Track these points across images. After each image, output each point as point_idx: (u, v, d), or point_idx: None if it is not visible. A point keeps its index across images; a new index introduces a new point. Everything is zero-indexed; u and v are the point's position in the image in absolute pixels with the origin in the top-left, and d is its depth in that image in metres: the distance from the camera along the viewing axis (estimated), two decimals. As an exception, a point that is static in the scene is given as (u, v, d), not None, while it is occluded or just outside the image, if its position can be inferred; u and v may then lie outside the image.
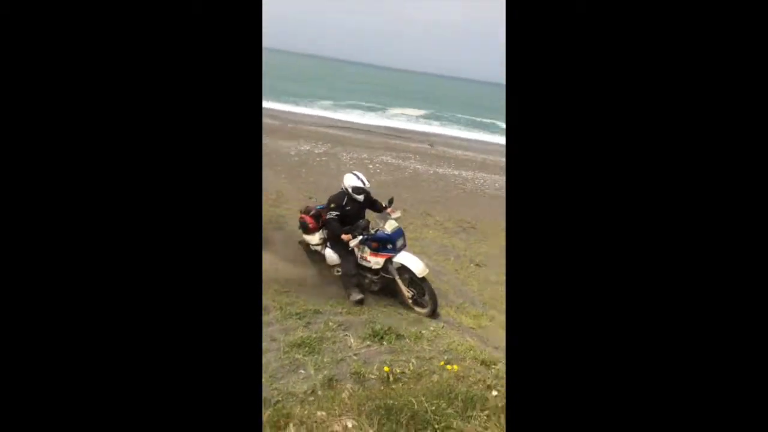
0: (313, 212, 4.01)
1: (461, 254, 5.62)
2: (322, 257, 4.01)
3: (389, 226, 3.76)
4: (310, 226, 3.97)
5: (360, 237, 3.69)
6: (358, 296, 3.66)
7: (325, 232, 3.92)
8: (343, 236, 3.68)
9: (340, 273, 3.91)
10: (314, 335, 2.78)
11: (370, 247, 3.79)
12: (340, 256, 3.84)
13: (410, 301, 3.71)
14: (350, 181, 3.84)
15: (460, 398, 2.00)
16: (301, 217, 4.05)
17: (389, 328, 2.90)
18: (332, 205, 3.77)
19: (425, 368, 2.38)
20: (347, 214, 3.78)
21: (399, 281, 3.74)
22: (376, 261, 3.81)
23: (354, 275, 3.77)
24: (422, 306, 3.68)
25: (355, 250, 3.82)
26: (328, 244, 3.95)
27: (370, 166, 9.87)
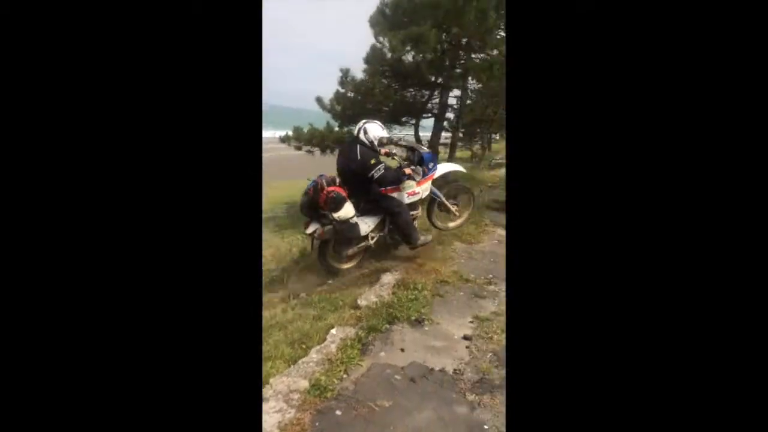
0: (339, 181, 3.24)
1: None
2: (350, 237, 3.29)
3: (422, 147, 3.62)
4: (345, 194, 3.14)
5: (414, 167, 3.43)
6: (429, 237, 3.53)
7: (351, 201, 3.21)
8: (407, 170, 3.33)
9: (372, 239, 3.48)
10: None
11: (414, 178, 3.47)
12: (388, 211, 3.37)
13: (455, 209, 3.86)
14: (377, 131, 3.33)
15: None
16: (331, 192, 3.10)
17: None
18: (372, 161, 3.16)
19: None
20: None
21: (443, 197, 3.73)
22: (425, 188, 3.59)
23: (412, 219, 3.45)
24: (457, 209, 3.89)
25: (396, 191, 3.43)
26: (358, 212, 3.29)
27: None
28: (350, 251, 3.43)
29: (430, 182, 3.61)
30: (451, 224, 4.04)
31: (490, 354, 2.18)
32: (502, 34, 6.22)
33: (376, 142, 3.27)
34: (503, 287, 3.17)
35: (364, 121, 3.38)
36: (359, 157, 3.17)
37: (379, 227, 3.51)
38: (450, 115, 8.50)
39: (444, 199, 3.79)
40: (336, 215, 3.09)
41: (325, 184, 3.15)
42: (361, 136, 3.28)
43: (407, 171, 3.34)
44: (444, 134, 8.39)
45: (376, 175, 3.14)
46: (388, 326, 2.39)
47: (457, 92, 8.00)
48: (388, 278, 3.21)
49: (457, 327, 2.46)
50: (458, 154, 10.02)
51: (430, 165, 3.56)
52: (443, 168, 3.79)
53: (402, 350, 2.16)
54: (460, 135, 9.76)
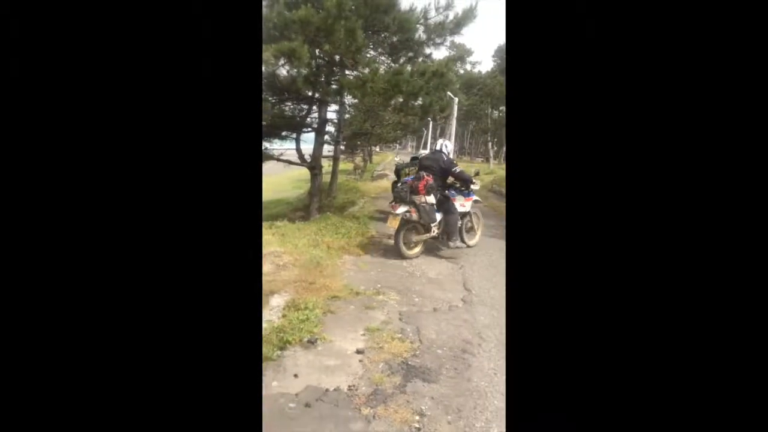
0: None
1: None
2: (430, 219, 4.37)
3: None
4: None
5: (475, 183, 4.90)
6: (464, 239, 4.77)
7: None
8: (474, 180, 4.93)
9: (438, 228, 4.53)
10: None
11: (464, 195, 4.76)
12: (445, 209, 4.54)
13: (476, 227, 5.08)
14: (450, 146, 5.08)
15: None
16: (430, 180, 4.44)
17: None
18: (455, 162, 4.91)
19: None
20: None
21: (473, 217, 5.00)
22: (468, 205, 4.82)
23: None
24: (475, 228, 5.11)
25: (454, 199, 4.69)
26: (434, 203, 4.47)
27: None
28: (418, 238, 4.48)
29: (470, 203, 4.86)
30: (472, 241, 4.96)
31: (382, 364, 2.26)
32: (372, 53, 6.56)
33: (449, 152, 4.91)
34: (391, 295, 3.32)
35: (442, 139, 5.20)
36: (446, 158, 4.73)
37: (439, 224, 4.56)
38: (330, 129, 8.61)
39: (473, 219, 4.99)
40: (426, 199, 4.37)
41: (424, 175, 4.48)
42: (443, 149, 4.83)
43: (474, 180, 4.91)
44: (326, 147, 8.45)
45: (458, 170, 4.70)
46: (279, 353, 2.30)
47: (335, 107, 8.15)
48: (277, 300, 3.10)
49: (350, 342, 2.50)
50: (341, 166, 10.20)
51: (473, 190, 4.95)
52: (474, 196, 5.03)
53: (296, 376, 2.11)
54: (342, 148, 9.95)
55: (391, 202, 4.54)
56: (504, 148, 20.62)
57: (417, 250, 4.50)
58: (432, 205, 4.41)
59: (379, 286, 3.51)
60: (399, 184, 4.67)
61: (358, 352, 2.38)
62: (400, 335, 2.62)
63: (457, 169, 4.73)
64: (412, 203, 4.34)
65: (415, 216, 4.34)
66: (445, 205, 4.58)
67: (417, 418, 1.84)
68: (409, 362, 2.30)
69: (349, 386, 2.04)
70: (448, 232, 4.53)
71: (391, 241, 5.09)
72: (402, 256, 4.34)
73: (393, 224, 4.36)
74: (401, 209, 4.31)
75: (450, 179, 4.78)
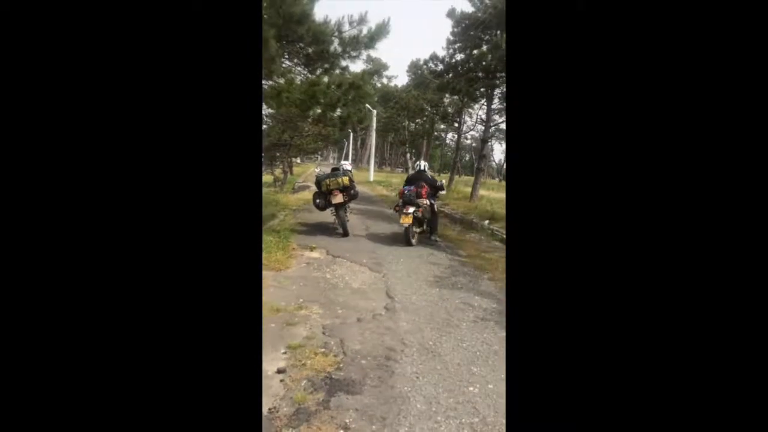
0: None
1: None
2: (429, 215, 5.98)
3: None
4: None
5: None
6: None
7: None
8: (441, 192, 6.37)
9: (426, 225, 6.09)
10: None
11: (434, 200, 6.12)
12: (432, 211, 6.04)
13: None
14: (427, 164, 6.60)
15: None
16: (427, 188, 5.95)
17: None
18: (437, 178, 7.09)
19: None
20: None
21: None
22: (436, 207, 6.27)
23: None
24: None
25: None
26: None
27: None
28: (417, 230, 5.90)
29: (436, 206, 6.24)
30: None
31: (305, 381, 2.19)
32: (288, 63, 6.46)
33: (427, 168, 6.50)
34: (314, 309, 3.25)
35: (423, 161, 6.58)
36: (430, 177, 6.31)
37: (426, 222, 6.03)
38: (246, 139, 8.26)
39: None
40: (426, 202, 5.84)
41: (423, 184, 5.94)
42: (425, 169, 6.36)
43: (444, 189, 6.42)
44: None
45: (438, 183, 6.24)
46: (190, 382, 2.11)
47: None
48: (188, 326, 2.86)
49: (270, 362, 2.38)
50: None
51: (440, 196, 6.54)
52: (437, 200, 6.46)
53: (209, 405, 1.95)
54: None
55: (397, 205, 5.97)
56: (421, 159, 21.56)
57: (416, 239, 5.87)
58: (430, 205, 5.94)
59: (301, 300, 3.41)
60: (406, 191, 5.83)
61: (279, 371, 2.28)
62: (323, 349, 2.57)
63: (438, 182, 6.33)
64: (417, 205, 5.75)
65: (420, 214, 5.81)
66: (433, 207, 6.11)
67: (341, 432, 1.80)
68: (333, 376, 2.26)
69: (269, 409, 1.94)
70: (432, 227, 6.17)
71: (313, 254, 5.04)
72: (409, 244, 5.73)
73: (406, 220, 5.67)
74: (411, 209, 5.68)
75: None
